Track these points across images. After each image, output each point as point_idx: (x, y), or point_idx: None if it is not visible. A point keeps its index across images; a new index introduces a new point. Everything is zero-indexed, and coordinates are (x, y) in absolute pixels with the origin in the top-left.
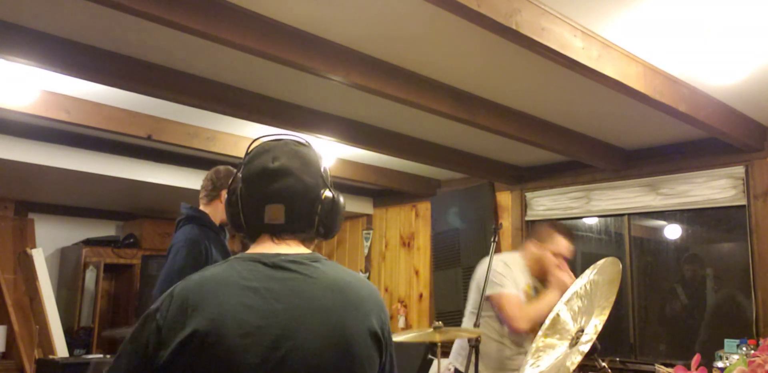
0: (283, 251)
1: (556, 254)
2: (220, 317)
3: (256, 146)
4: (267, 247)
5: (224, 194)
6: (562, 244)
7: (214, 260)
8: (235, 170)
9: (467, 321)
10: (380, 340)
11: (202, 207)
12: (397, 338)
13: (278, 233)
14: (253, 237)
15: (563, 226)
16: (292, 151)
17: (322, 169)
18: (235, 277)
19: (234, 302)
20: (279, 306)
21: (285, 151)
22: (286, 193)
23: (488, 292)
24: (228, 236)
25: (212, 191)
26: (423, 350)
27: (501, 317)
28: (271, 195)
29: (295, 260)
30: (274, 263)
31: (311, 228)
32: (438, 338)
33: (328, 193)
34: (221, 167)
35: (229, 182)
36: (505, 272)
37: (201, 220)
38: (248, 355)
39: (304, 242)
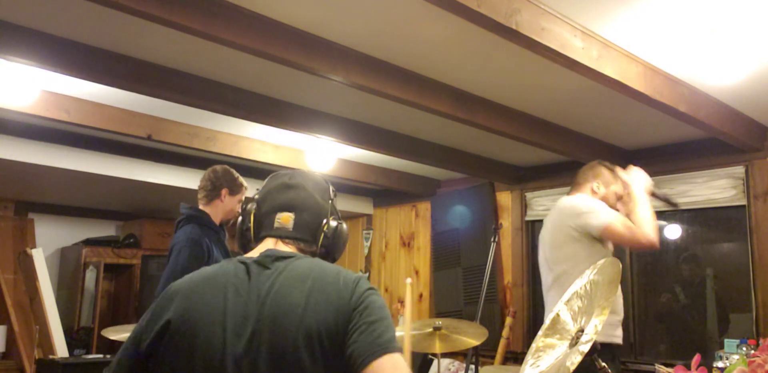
0: (271, 253)
1: (620, 196)
2: (190, 307)
3: (273, 175)
4: (256, 251)
5: (224, 193)
6: (621, 184)
7: (215, 259)
8: (230, 168)
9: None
10: (344, 306)
11: (201, 207)
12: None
13: (283, 237)
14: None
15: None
16: (308, 175)
17: (331, 197)
18: (214, 273)
19: (207, 295)
20: (247, 297)
21: (301, 174)
22: (297, 202)
23: (593, 224)
24: (228, 235)
25: (212, 191)
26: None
27: (623, 244)
28: (282, 204)
29: (272, 256)
30: (256, 261)
31: (314, 244)
32: (438, 348)
33: (333, 222)
34: (218, 167)
35: (242, 207)
36: (592, 203)
37: (201, 219)
38: (215, 341)
39: (303, 251)
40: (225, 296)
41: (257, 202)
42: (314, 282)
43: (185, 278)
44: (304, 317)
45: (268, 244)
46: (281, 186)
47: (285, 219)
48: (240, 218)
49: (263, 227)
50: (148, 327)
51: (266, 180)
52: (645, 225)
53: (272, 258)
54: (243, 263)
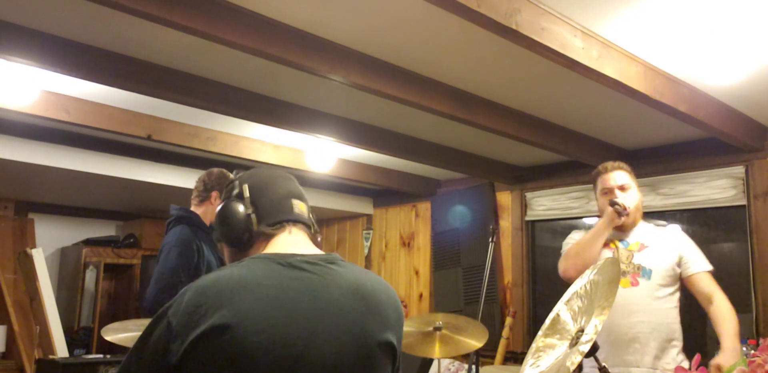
0: (299, 251)
1: (605, 191)
2: (235, 314)
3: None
4: (281, 245)
5: (214, 196)
6: (601, 180)
7: (207, 260)
8: (227, 172)
9: None
10: (394, 349)
11: (193, 208)
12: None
13: (302, 222)
14: (263, 238)
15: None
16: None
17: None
18: (250, 276)
19: (249, 299)
20: (294, 305)
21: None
22: (302, 193)
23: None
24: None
25: (203, 193)
26: None
27: None
28: (292, 192)
29: (310, 261)
30: (290, 263)
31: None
32: (438, 353)
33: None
34: (214, 169)
35: (230, 196)
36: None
37: (191, 220)
38: (262, 352)
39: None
40: (267, 301)
41: (254, 189)
42: (368, 300)
43: (211, 279)
44: (361, 337)
45: (298, 237)
46: (279, 177)
47: (301, 206)
48: (231, 205)
49: (279, 212)
50: (174, 335)
51: (240, 176)
52: (567, 255)
53: (304, 262)
54: (283, 264)
